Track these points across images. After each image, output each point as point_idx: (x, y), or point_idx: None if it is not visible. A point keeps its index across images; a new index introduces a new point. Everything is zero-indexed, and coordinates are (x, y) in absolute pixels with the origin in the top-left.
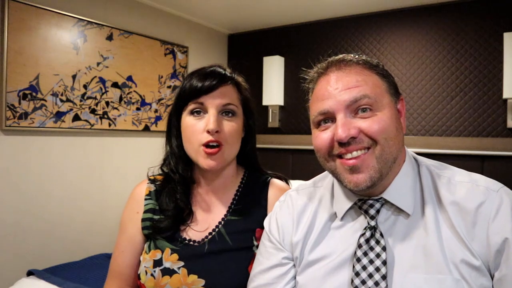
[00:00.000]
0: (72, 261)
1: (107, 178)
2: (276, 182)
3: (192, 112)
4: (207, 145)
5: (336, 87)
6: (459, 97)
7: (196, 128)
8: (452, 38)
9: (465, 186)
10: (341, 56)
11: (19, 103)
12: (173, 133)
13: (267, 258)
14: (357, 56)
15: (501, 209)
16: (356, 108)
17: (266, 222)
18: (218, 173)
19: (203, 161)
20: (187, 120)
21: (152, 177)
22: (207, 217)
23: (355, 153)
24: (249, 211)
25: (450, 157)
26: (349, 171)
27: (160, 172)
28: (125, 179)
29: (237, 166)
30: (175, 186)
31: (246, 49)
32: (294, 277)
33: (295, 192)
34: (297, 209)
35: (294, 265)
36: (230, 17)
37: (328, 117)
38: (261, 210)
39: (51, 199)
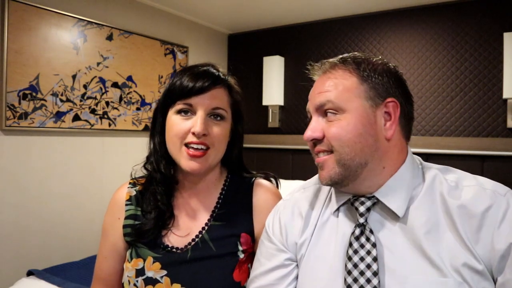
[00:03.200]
0: (72, 261)
1: (107, 178)
2: (261, 182)
3: (179, 112)
4: (191, 146)
5: (314, 91)
6: (459, 97)
7: (181, 127)
8: (452, 38)
9: (472, 189)
10: (333, 59)
11: (19, 103)
12: (157, 130)
13: (269, 259)
14: (343, 57)
15: (508, 214)
16: (323, 111)
17: (268, 222)
18: (201, 177)
19: (185, 163)
20: (173, 119)
21: (133, 181)
22: (190, 222)
23: (321, 155)
24: (233, 215)
25: (450, 157)
26: (318, 167)
27: (143, 170)
28: (125, 179)
29: (221, 168)
30: (156, 187)
31: (246, 49)
32: (296, 278)
33: (301, 191)
34: (304, 208)
35: (297, 265)
36: (230, 17)
37: (311, 117)
38: (246, 214)
39: (51, 199)
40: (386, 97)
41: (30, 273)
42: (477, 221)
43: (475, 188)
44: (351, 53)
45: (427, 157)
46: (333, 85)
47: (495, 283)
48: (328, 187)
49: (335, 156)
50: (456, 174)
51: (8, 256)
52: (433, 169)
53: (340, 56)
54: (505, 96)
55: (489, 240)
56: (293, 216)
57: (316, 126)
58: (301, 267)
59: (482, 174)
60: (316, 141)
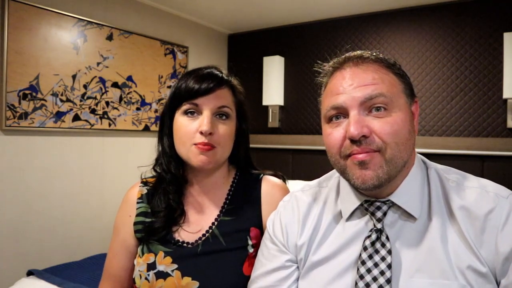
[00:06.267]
0: (72, 261)
1: (107, 178)
2: (268, 178)
3: (186, 112)
4: (198, 144)
5: (352, 83)
6: (459, 97)
7: (189, 129)
8: (452, 38)
9: (474, 192)
10: (359, 52)
11: (19, 103)
12: (165, 132)
13: (270, 260)
14: (374, 54)
15: (511, 217)
16: (370, 106)
17: (269, 223)
18: (209, 173)
19: (194, 158)
20: (180, 120)
21: (144, 180)
22: (200, 218)
23: (365, 154)
24: (242, 210)
25: (450, 157)
26: (358, 166)
27: (153, 172)
28: (125, 179)
29: (229, 166)
30: (167, 186)
31: (246, 49)
32: (297, 279)
33: (300, 192)
34: (302, 210)
35: (297, 267)
36: (230, 17)
37: (341, 113)
38: (255, 208)
39: (51, 199)
40: (414, 96)
41: (30, 273)
42: (480, 224)
43: (477, 190)
44: (364, 51)
45: (427, 157)
46: (379, 78)
47: (498, 286)
48: (326, 190)
49: (386, 155)
50: (457, 175)
51: (8, 256)
52: (436, 168)
53: (368, 52)
54: (505, 96)
55: (493, 243)
56: (293, 218)
57: (361, 122)
58: (303, 271)
59: (482, 174)
60: (362, 139)
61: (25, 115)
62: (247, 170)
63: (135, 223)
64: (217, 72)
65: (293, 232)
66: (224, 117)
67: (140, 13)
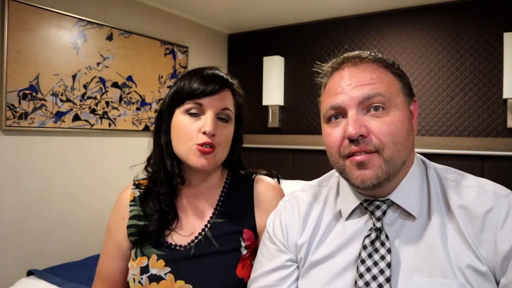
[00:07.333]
0: (72, 261)
1: (107, 178)
2: (262, 178)
3: (188, 112)
4: (200, 145)
5: (350, 83)
6: (459, 97)
7: (192, 128)
8: (452, 38)
9: (473, 191)
10: (357, 52)
11: (19, 103)
12: (163, 130)
13: (270, 260)
14: (373, 54)
15: (510, 216)
16: (368, 105)
17: (269, 223)
18: (205, 175)
19: (195, 159)
20: (181, 119)
21: (137, 182)
22: (193, 221)
23: (362, 153)
24: (235, 212)
25: (450, 157)
26: (356, 167)
27: (144, 172)
28: (125, 179)
29: (222, 169)
30: (159, 188)
31: (246, 49)
32: (297, 279)
33: (300, 192)
34: (302, 209)
35: (297, 267)
36: (230, 17)
37: (339, 113)
38: (248, 209)
39: (51, 200)
40: (412, 95)
41: (30, 273)
42: (479, 222)
43: (476, 189)
44: (362, 51)
45: (427, 157)
46: (377, 78)
47: (498, 285)
48: (326, 190)
49: (384, 155)
50: (456, 174)
51: (8, 256)
52: (435, 168)
53: (366, 52)
54: (505, 96)
55: (492, 242)
56: (293, 217)
57: (359, 121)
58: (302, 271)
59: (482, 174)
60: (359, 139)
61: (25, 115)
62: (238, 171)
63: (128, 226)
64: (222, 74)
65: (293, 232)
66: (224, 120)
67: (140, 13)
